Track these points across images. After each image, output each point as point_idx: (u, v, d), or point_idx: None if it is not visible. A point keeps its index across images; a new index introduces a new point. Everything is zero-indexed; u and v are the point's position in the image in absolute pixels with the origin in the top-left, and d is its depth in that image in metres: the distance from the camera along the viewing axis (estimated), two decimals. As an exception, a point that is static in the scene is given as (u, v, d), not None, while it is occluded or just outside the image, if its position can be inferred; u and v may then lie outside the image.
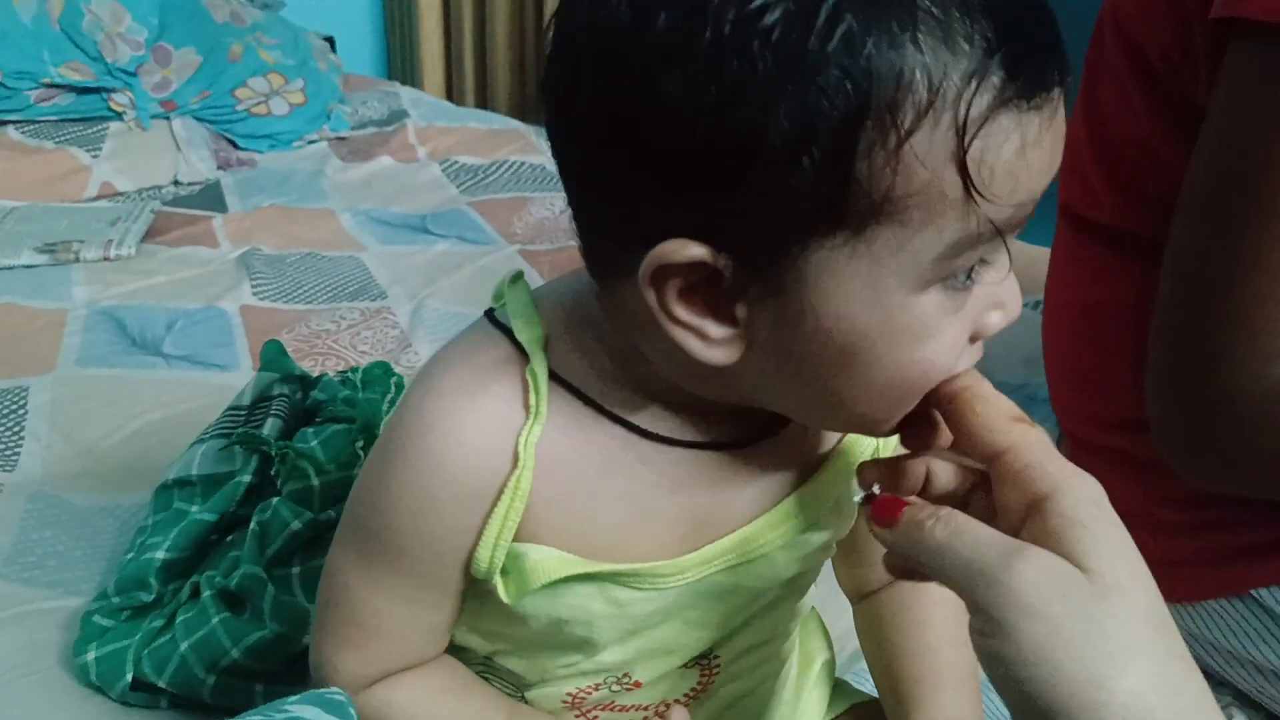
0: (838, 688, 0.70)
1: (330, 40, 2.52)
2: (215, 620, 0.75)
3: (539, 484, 0.48)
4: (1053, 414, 1.17)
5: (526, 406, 0.48)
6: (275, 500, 0.81)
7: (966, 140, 0.38)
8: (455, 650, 0.57)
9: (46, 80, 1.89)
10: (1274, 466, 0.69)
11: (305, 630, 0.75)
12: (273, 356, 1.05)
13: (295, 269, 1.56)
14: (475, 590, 0.52)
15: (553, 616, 0.50)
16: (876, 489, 0.48)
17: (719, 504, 0.52)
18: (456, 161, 2.05)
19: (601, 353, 0.49)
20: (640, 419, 0.49)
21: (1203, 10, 0.70)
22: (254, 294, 1.47)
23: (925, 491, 0.47)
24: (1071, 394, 0.96)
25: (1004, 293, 0.45)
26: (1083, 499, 0.42)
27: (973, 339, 0.45)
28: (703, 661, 0.57)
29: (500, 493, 0.48)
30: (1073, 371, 0.95)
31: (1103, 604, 0.39)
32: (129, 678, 0.75)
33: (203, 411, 1.11)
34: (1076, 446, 0.96)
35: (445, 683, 0.56)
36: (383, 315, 1.43)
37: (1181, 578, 0.83)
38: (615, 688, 0.55)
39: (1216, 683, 0.84)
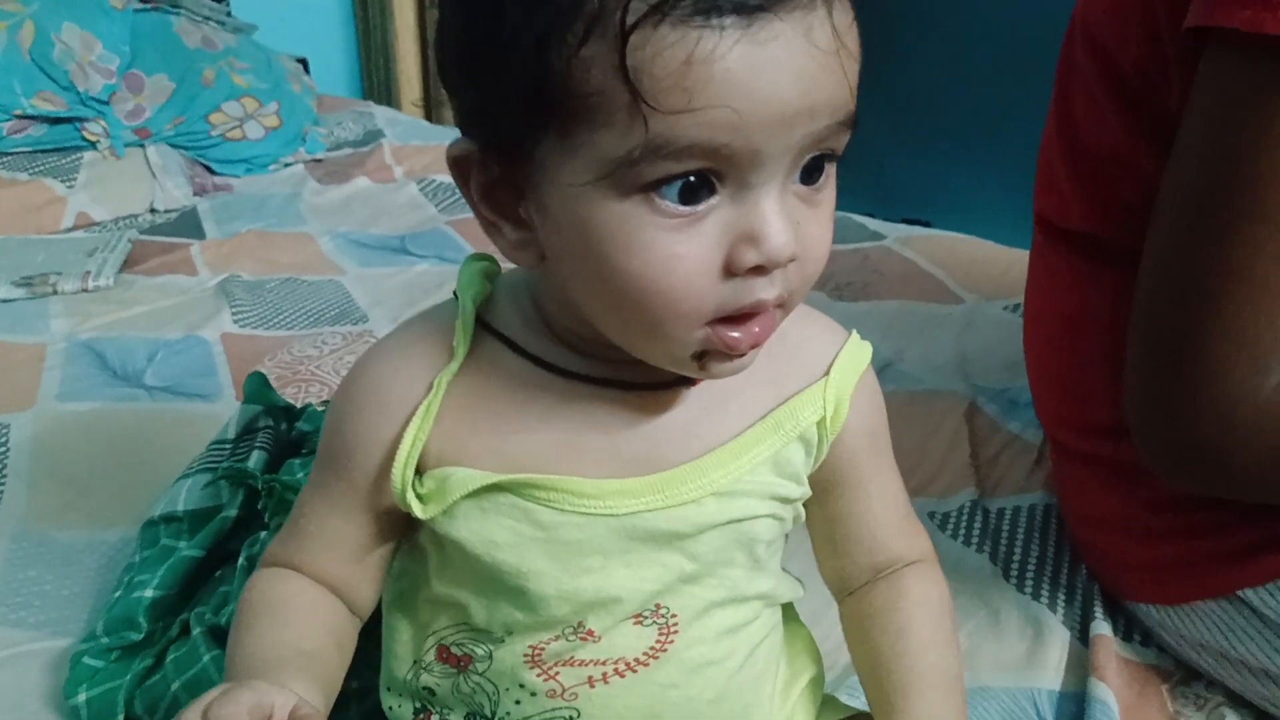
0: (826, 703, 0.70)
1: (303, 62, 2.51)
2: (206, 658, 0.74)
3: (458, 414, 0.55)
4: (1035, 419, 1.18)
5: (452, 349, 0.55)
6: (263, 534, 0.81)
7: (623, 49, 0.42)
8: (432, 615, 0.59)
9: (19, 112, 1.88)
10: (1269, 474, 0.70)
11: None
12: (256, 389, 1.05)
13: (275, 295, 1.55)
14: (428, 536, 0.57)
15: (484, 538, 0.54)
16: None
17: (646, 447, 0.55)
18: (434, 180, 2.05)
19: (528, 303, 0.56)
20: (553, 358, 0.55)
21: (1174, 19, 0.70)
22: (234, 321, 1.46)
23: None
24: (1052, 400, 0.97)
25: (757, 225, 0.46)
26: None
27: (729, 271, 0.46)
28: (658, 618, 0.57)
29: (412, 416, 0.54)
30: (1052, 378, 0.96)
31: None
32: (121, 718, 0.74)
33: (187, 443, 1.10)
34: (1059, 452, 0.97)
35: (310, 601, 0.58)
36: (365, 339, 1.41)
37: (1170, 580, 0.84)
38: (571, 638, 0.57)
39: (1207, 683, 0.85)
